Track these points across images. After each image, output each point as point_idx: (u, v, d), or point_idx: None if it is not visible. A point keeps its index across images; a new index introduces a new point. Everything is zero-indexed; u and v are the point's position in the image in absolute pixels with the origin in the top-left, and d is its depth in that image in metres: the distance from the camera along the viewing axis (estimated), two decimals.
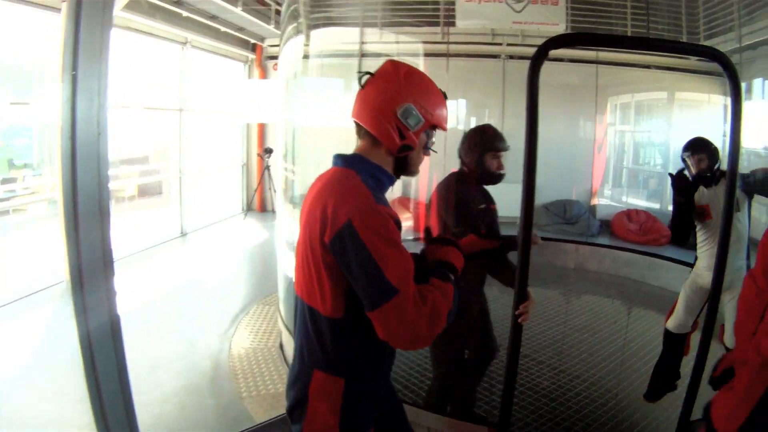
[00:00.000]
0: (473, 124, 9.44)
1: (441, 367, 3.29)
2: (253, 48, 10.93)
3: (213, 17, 8.99)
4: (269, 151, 10.47)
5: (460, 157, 3.24)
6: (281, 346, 5.09)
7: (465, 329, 3.13)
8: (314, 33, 5.44)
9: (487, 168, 3.14)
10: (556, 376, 4.43)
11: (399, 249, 1.51)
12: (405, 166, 1.76)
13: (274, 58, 9.92)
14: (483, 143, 3.16)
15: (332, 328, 1.61)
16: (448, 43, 8.69)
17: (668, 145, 9.77)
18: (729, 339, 3.53)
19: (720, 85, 9.36)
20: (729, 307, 3.61)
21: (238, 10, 8.36)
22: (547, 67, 7.88)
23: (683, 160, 3.94)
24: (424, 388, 3.94)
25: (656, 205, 9.56)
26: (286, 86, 5.71)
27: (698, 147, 3.84)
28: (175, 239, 9.36)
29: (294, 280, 1.75)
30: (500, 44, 9.08)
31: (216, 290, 6.85)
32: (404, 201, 8.51)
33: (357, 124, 1.70)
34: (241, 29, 9.71)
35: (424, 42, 8.65)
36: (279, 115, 6.37)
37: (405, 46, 8.29)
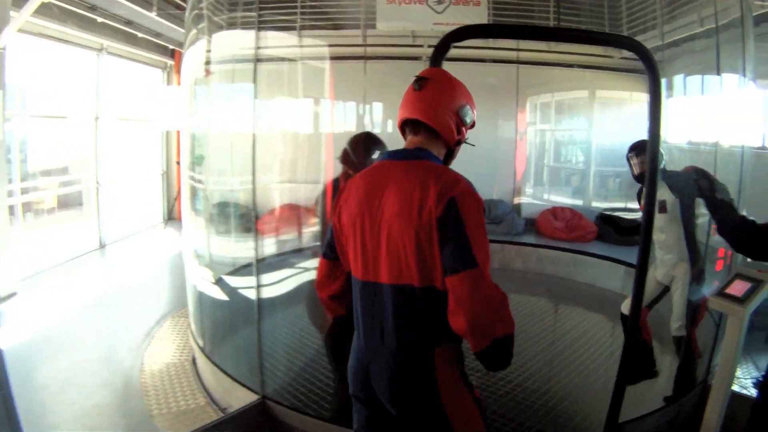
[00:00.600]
0: (392, 128, 9.43)
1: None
2: (172, 54, 10.68)
3: (128, 22, 8.74)
4: (200, 158, 10.22)
5: (347, 162, 3.41)
6: (194, 361, 4.94)
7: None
8: (216, 37, 5.23)
9: None
10: (481, 378, 4.35)
11: (485, 233, 1.71)
12: (451, 158, 2.03)
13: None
14: (373, 147, 3.34)
15: (444, 300, 1.70)
16: (366, 45, 8.66)
17: (590, 143, 9.89)
18: (675, 324, 3.92)
19: (643, 83, 9.51)
20: (675, 296, 3.96)
21: (153, 15, 8.14)
22: (467, 68, 7.93)
23: (627, 161, 4.12)
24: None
25: (580, 202, 9.65)
26: (190, 93, 5.50)
27: (641, 148, 3.97)
28: (94, 251, 9.07)
29: (367, 272, 1.85)
30: (421, 46, 9.03)
31: (132, 303, 6.68)
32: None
33: (411, 122, 1.89)
34: (158, 35, 9.48)
35: (342, 45, 8.56)
36: (182, 123, 6.17)
37: (317, 49, 8.22)
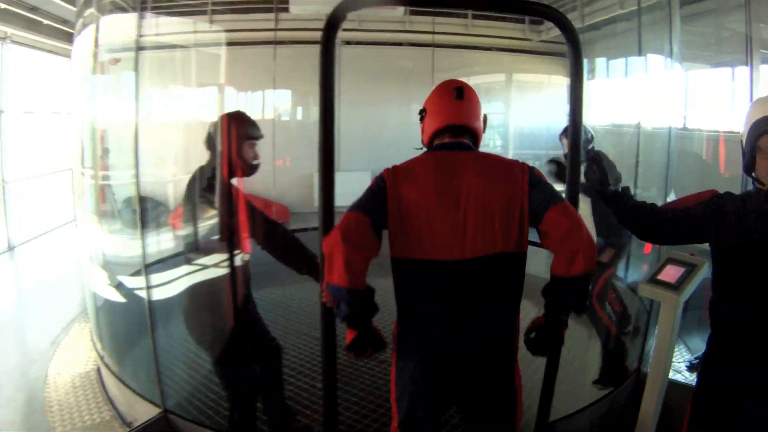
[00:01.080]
0: (303, 115, 9.31)
1: (234, 389, 3.07)
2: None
3: (33, 9, 8.29)
4: (106, 152, 9.82)
5: (211, 147, 2.95)
6: (99, 370, 4.62)
7: (248, 335, 2.99)
8: (104, 20, 4.97)
9: (246, 158, 2.91)
10: (381, 364, 4.20)
11: None
12: None
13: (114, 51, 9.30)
14: (241, 131, 2.92)
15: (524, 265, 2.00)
16: (276, 30, 8.48)
17: (508, 127, 9.95)
18: None
19: (562, 67, 9.62)
20: None
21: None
22: (381, 52, 7.85)
23: (560, 140, 4.34)
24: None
25: None
26: (79, 84, 5.20)
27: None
28: (1, 254, 8.66)
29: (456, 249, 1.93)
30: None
31: (39, 308, 6.29)
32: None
33: (458, 126, 2.09)
34: (65, 21, 9.03)
35: (252, 30, 8.34)
36: (73, 116, 5.89)
37: (218, 35, 7.99)
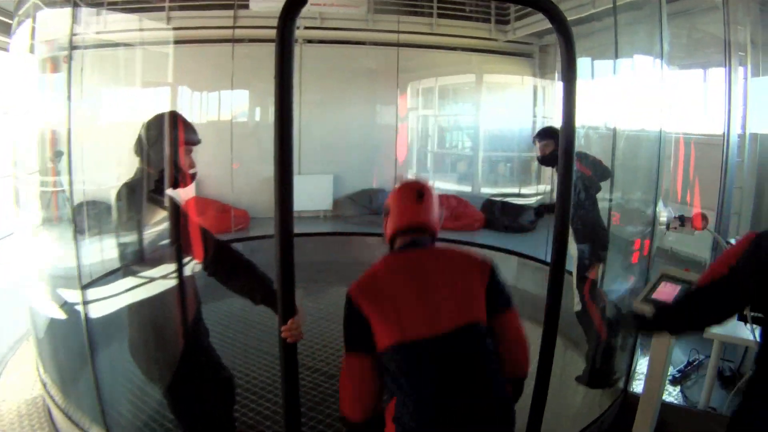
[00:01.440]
0: (261, 116, 9.03)
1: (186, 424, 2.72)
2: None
3: None
4: (60, 155, 9.33)
5: (141, 152, 2.45)
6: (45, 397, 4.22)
7: (198, 368, 2.62)
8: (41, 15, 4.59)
9: (181, 167, 2.44)
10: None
11: None
12: None
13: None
14: (176, 135, 2.42)
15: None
16: (235, 27, 8.22)
17: (477, 128, 9.84)
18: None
19: (530, 67, 9.55)
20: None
21: None
22: (345, 51, 7.59)
23: (533, 143, 4.22)
24: None
25: (467, 188, 9.58)
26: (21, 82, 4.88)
27: (544, 134, 4.12)
28: None
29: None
30: (297, 28, 8.55)
31: None
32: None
33: (417, 227, 2.16)
34: (7, 13, 8.43)
35: (210, 27, 8.04)
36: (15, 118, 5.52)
37: (168, 32, 7.67)
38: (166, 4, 8.38)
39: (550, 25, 5.71)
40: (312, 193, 8.77)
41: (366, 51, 9.03)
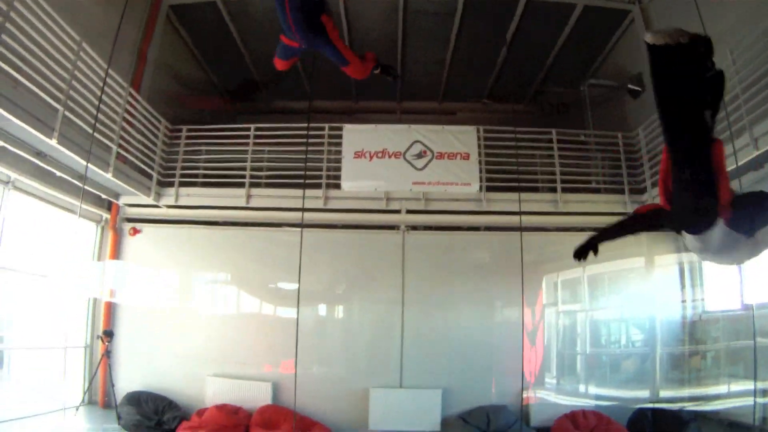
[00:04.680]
0: (353, 316, 8.20)
1: None
2: (108, 206, 9.17)
3: (39, 154, 7.20)
4: (110, 335, 8.53)
5: None
6: None
7: None
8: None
9: None
10: None
11: None
12: None
13: (134, 220, 8.44)
14: None
15: None
16: (328, 210, 7.89)
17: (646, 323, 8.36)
18: None
19: (673, 241, 8.17)
20: None
21: (53, 142, 6.61)
22: (456, 238, 6.47)
23: None
24: None
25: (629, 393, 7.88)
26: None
27: None
28: None
29: None
30: (398, 211, 8.01)
31: None
32: None
33: None
34: (81, 177, 7.87)
35: (298, 209, 7.43)
36: None
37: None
38: (246, 180, 8.08)
39: None
40: (415, 412, 7.52)
41: (481, 237, 8.20)
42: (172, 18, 9.22)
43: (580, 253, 3.41)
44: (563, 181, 8.10)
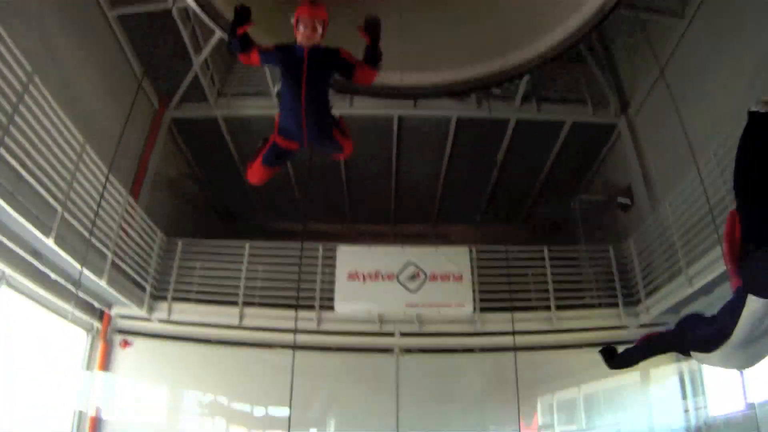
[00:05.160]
0: None
1: None
2: (101, 315, 8.95)
3: (35, 253, 7.11)
4: None
5: None
6: None
7: None
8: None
9: None
10: None
11: None
12: None
13: (125, 332, 8.34)
14: None
15: None
16: (321, 332, 7.84)
17: None
18: None
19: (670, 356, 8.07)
20: None
21: (50, 242, 6.53)
22: (451, 361, 6.34)
23: None
24: None
25: None
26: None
27: None
28: None
29: None
30: (391, 334, 8.00)
31: None
32: None
33: None
34: (75, 282, 7.74)
35: (289, 330, 7.37)
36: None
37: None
38: (240, 299, 8.09)
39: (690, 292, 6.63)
40: None
41: (476, 359, 8.11)
42: (174, 131, 9.55)
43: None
44: (557, 298, 8.12)
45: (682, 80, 7.31)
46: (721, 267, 5.72)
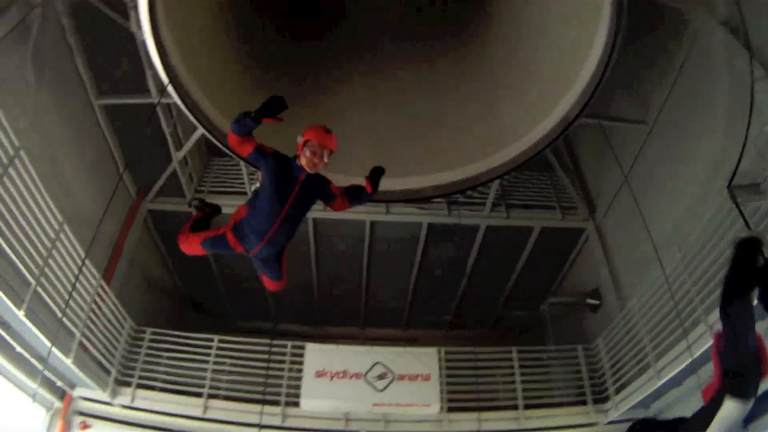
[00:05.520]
0: None
1: None
2: (62, 395, 8.59)
3: (3, 323, 6.85)
4: None
5: None
6: None
7: None
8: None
9: None
10: None
11: None
12: None
13: (86, 414, 8.06)
14: None
15: None
16: (285, 429, 7.68)
17: None
18: None
19: None
20: None
21: (21, 314, 6.25)
22: None
23: None
24: None
25: None
26: None
27: None
28: None
29: None
30: None
31: None
32: None
33: None
34: (40, 358, 7.41)
35: (257, 425, 7.47)
36: None
37: None
38: (206, 390, 7.96)
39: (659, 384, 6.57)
40: None
41: None
42: (149, 222, 9.67)
43: None
44: (525, 397, 8.12)
45: (645, 182, 7.63)
46: (688, 359, 5.80)
